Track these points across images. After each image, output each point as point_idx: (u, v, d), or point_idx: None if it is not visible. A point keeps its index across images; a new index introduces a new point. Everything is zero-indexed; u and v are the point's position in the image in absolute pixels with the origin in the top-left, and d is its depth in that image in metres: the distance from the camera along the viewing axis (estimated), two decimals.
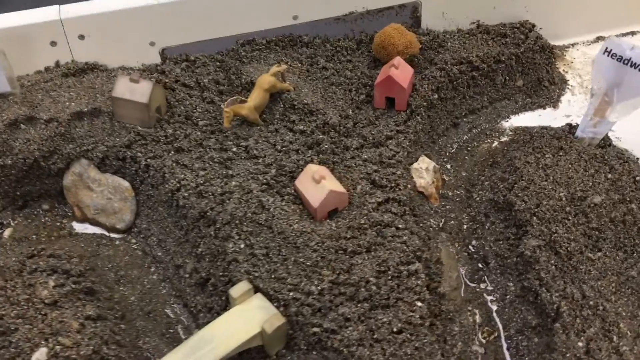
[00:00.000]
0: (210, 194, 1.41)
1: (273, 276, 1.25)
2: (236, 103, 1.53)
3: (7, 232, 1.55)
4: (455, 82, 1.73)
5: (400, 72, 1.61)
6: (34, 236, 1.54)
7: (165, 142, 1.52)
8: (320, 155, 1.52)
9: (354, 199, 1.43)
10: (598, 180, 1.45)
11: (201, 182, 1.43)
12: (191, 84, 1.67)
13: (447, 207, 1.59)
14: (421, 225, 1.47)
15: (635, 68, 1.50)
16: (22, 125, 1.53)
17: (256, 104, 1.57)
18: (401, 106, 1.64)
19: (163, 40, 1.71)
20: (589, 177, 1.46)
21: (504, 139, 1.76)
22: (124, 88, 1.51)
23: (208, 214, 1.38)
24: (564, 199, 1.40)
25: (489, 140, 1.75)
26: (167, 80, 1.65)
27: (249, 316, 1.20)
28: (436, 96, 1.68)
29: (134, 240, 1.53)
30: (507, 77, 1.83)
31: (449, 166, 1.69)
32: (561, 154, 1.54)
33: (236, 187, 1.41)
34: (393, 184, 1.45)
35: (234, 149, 1.53)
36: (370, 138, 1.56)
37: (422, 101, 1.64)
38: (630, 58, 1.50)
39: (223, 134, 1.56)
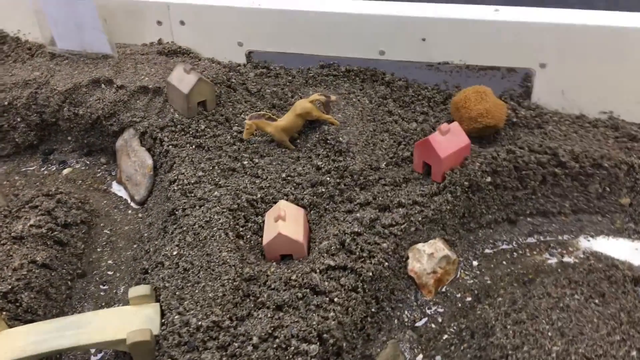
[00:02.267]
0: (192, 195, 1.40)
1: (177, 293, 1.20)
2: (262, 118, 1.49)
3: (65, 171, 1.76)
4: (523, 172, 1.41)
5: (446, 139, 1.38)
6: (80, 181, 1.73)
7: (192, 135, 1.56)
8: (315, 198, 1.39)
9: (314, 252, 1.28)
10: None
11: (193, 181, 1.43)
12: (253, 90, 1.67)
13: (440, 307, 1.31)
14: (379, 311, 1.25)
15: None
16: (102, 85, 1.72)
17: (284, 125, 1.50)
18: (436, 176, 1.41)
19: (251, 43, 1.74)
20: None
21: (568, 259, 1.38)
22: (177, 75, 1.58)
23: (176, 212, 1.38)
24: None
25: (546, 255, 1.40)
26: (233, 81, 1.68)
27: (130, 320, 1.17)
28: (488, 180, 1.39)
29: (140, 215, 1.60)
30: (608, 189, 1.43)
31: (475, 263, 1.40)
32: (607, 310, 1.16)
33: (214, 197, 1.38)
34: (365, 254, 1.26)
35: (245, 162, 1.49)
36: (380, 199, 1.38)
37: (464, 179, 1.38)
38: None
39: (247, 144, 1.53)
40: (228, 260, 1.22)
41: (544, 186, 1.44)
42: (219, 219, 1.31)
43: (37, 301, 1.31)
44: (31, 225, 1.42)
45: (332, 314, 1.15)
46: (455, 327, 1.27)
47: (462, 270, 1.39)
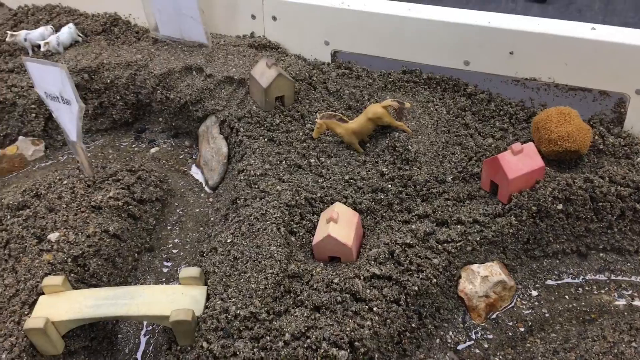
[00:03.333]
0: (255, 186, 1.44)
1: (224, 279, 1.24)
2: (333, 119, 1.50)
3: (153, 150, 1.87)
4: (600, 204, 1.32)
5: (518, 159, 1.31)
6: (164, 161, 1.82)
7: (266, 128, 1.60)
8: (373, 204, 1.38)
9: (362, 258, 1.27)
10: None
11: (259, 173, 1.47)
12: (332, 90, 1.68)
13: (488, 333, 1.26)
14: (420, 327, 1.22)
15: None
16: (193, 72, 1.80)
17: (355, 128, 1.49)
18: (502, 197, 1.35)
19: (337, 43, 1.75)
20: None
21: (638, 304, 1.27)
22: (259, 69, 1.62)
23: (238, 202, 1.42)
24: None
25: (614, 295, 1.29)
26: (314, 79, 1.70)
27: (177, 299, 1.22)
28: (560, 207, 1.31)
29: (211, 200, 1.67)
30: None
31: (534, 293, 1.32)
32: None
33: (275, 191, 1.40)
34: (414, 267, 1.23)
35: (312, 161, 1.50)
36: (440, 213, 1.34)
37: (532, 204, 1.30)
38: None
39: (317, 143, 1.55)
40: (275, 254, 1.25)
41: (621, 221, 1.33)
42: (274, 213, 1.33)
43: (104, 268, 1.41)
44: (110, 197, 1.52)
45: (368, 322, 1.14)
46: (500, 357, 1.22)
47: (519, 299, 1.32)
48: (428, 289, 1.23)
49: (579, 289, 1.33)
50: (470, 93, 1.61)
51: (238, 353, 1.11)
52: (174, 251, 1.54)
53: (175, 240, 1.56)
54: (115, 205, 1.51)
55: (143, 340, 1.34)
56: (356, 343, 1.11)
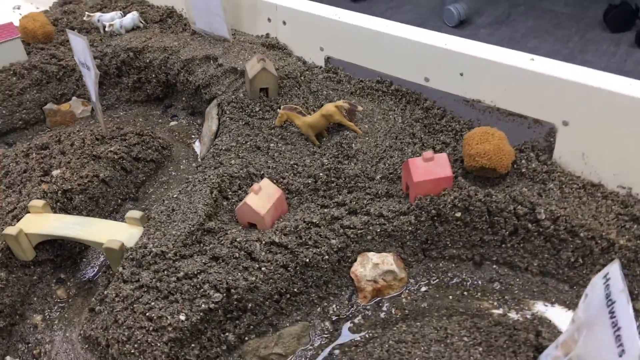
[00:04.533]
0: (217, 158, 1.69)
1: (157, 224, 1.50)
2: (293, 111, 1.71)
3: (172, 123, 2.19)
4: (495, 218, 1.41)
5: (427, 166, 1.45)
6: (177, 133, 2.13)
7: (246, 114, 1.84)
8: (302, 187, 1.57)
9: (273, 228, 1.47)
10: None
11: (223, 148, 1.72)
12: (313, 89, 1.88)
13: (368, 312, 1.41)
14: (301, 293, 1.40)
15: (610, 318, 0.99)
16: (211, 61, 2.09)
17: (310, 122, 1.69)
18: (411, 198, 1.48)
19: (329, 50, 1.95)
20: None
21: (511, 315, 1.35)
22: (251, 63, 1.87)
23: (199, 168, 1.68)
24: None
25: (494, 304, 1.38)
26: (302, 78, 1.91)
27: (117, 233, 1.51)
28: (458, 214, 1.43)
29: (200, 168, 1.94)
30: (581, 261, 1.35)
31: (423, 289, 1.44)
32: None
33: (228, 163, 1.65)
34: (311, 243, 1.42)
35: (272, 145, 1.73)
36: (354, 203, 1.50)
37: (432, 207, 1.43)
38: (614, 301, 1.00)
39: (282, 131, 1.76)
40: (199, 210, 1.49)
41: (514, 237, 1.42)
42: (213, 179, 1.58)
43: (86, 205, 1.73)
44: (110, 151, 1.84)
45: (252, 278, 1.35)
46: (369, 333, 1.37)
47: (407, 291, 1.45)
48: (319, 263, 1.41)
49: (465, 292, 1.43)
50: (427, 107, 1.74)
51: (140, 280, 1.36)
52: (153, 204, 1.83)
53: (155, 196, 1.86)
54: (112, 158, 1.83)
55: (98, 267, 1.65)
56: (232, 290, 1.32)
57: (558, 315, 1.35)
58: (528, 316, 1.35)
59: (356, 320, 1.40)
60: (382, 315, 1.41)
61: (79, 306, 1.54)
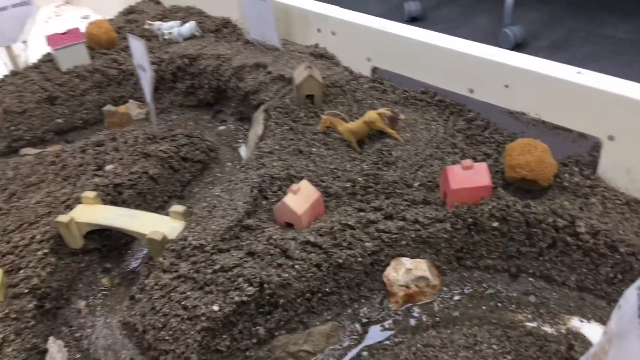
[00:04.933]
0: (259, 159, 1.73)
1: (198, 219, 1.55)
2: (336, 117, 1.74)
3: (221, 127, 2.26)
4: (534, 229, 1.39)
5: (465, 174, 1.45)
6: (224, 137, 2.20)
7: (291, 119, 1.88)
8: (340, 190, 1.59)
9: (309, 228, 1.50)
10: None
11: (267, 151, 1.76)
12: (358, 98, 1.91)
13: (399, 317, 1.41)
14: (333, 293, 1.42)
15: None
16: (261, 69, 2.15)
17: (352, 128, 1.72)
18: (448, 206, 1.48)
19: (377, 60, 1.98)
20: None
21: (545, 329, 1.32)
22: (298, 70, 1.92)
23: (242, 168, 1.73)
24: None
25: (528, 317, 1.36)
26: (348, 87, 1.95)
27: (161, 225, 1.56)
28: (495, 224, 1.42)
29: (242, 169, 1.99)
30: (620, 277, 1.31)
31: (456, 298, 1.43)
32: None
33: (270, 165, 1.68)
34: (345, 244, 1.43)
35: (313, 149, 1.76)
36: (391, 208, 1.51)
37: (469, 215, 1.43)
38: None
39: (324, 137, 1.79)
40: (238, 207, 1.53)
41: (552, 250, 1.39)
42: (254, 178, 1.62)
43: (134, 199, 1.80)
44: (160, 150, 1.92)
45: (285, 275, 1.37)
46: (398, 339, 1.36)
47: (440, 299, 1.45)
48: (352, 265, 1.42)
49: (499, 304, 1.41)
50: (470, 119, 1.74)
51: (178, 270, 1.41)
52: (197, 203, 1.89)
53: (200, 195, 1.91)
54: (161, 156, 1.90)
55: (141, 259, 1.71)
56: (265, 285, 1.35)
57: (593, 332, 1.31)
58: (562, 330, 1.32)
59: (386, 324, 1.40)
60: (413, 321, 1.40)
61: (121, 295, 1.60)
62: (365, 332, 1.40)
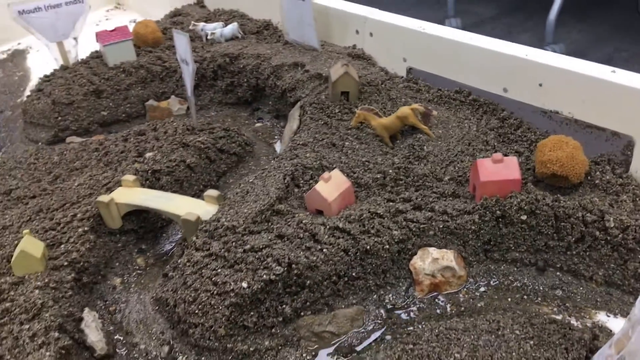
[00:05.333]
0: (293, 151, 1.78)
1: (231, 203, 1.60)
2: (370, 112, 1.77)
3: (258, 124, 2.32)
4: (562, 223, 1.39)
5: (495, 167, 1.46)
6: (260, 133, 2.25)
7: (326, 114, 1.92)
8: (371, 181, 1.62)
9: (339, 215, 1.53)
10: None
11: (301, 143, 1.81)
12: (392, 97, 1.94)
13: (423, 305, 1.42)
14: (359, 279, 1.45)
15: None
16: (299, 67, 2.21)
17: (385, 123, 1.75)
18: (477, 198, 1.49)
19: (412, 61, 2.01)
20: None
21: (571, 321, 1.32)
22: (335, 68, 1.97)
23: (276, 158, 1.78)
24: None
25: (554, 310, 1.36)
26: (383, 86, 1.98)
27: (195, 207, 1.62)
28: (523, 217, 1.42)
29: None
30: None
31: (482, 289, 1.44)
32: None
33: (303, 156, 1.73)
34: (373, 232, 1.46)
35: (346, 143, 1.79)
36: (420, 199, 1.53)
37: (497, 208, 1.44)
38: None
39: (357, 132, 1.83)
40: (271, 193, 1.57)
41: (580, 245, 1.39)
42: (288, 167, 1.66)
43: (171, 185, 1.86)
44: (198, 140, 1.98)
45: (313, 257, 1.41)
46: (422, 325, 1.38)
47: (465, 289, 1.46)
48: (379, 252, 1.45)
49: (525, 296, 1.42)
50: (504, 117, 1.75)
51: (210, 248, 1.46)
52: None
53: (234, 186, 1.96)
54: (199, 147, 1.96)
55: (175, 243, 1.76)
56: (293, 265, 1.38)
57: (619, 327, 1.29)
58: (588, 324, 1.32)
59: (411, 312, 1.42)
60: (438, 310, 1.42)
61: (155, 274, 1.65)
62: (390, 318, 1.42)
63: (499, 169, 1.47)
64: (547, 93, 1.64)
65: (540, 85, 1.65)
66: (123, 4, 3.93)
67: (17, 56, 3.35)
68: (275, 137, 2.22)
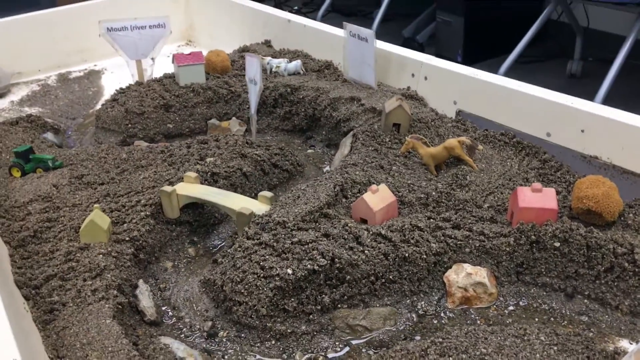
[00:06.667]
0: (344, 168, 1.91)
1: (282, 204, 1.72)
2: (419, 141, 1.90)
3: (309, 151, 2.47)
4: (593, 253, 1.47)
5: (534, 195, 1.56)
6: (312, 158, 2.40)
7: (377, 142, 2.06)
8: (414, 200, 1.74)
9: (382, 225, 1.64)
10: None
11: (351, 163, 1.94)
12: (441, 133, 2.08)
13: (453, 315, 1.50)
14: (395, 282, 1.54)
15: None
16: (355, 101, 2.37)
17: (432, 152, 1.88)
18: (513, 223, 1.59)
19: (461, 104, 2.16)
20: None
21: (595, 345, 1.38)
22: (389, 101, 2.12)
23: (327, 172, 1.91)
24: None
25: (577, 331, 1.42)
26: (432, 124, 2.12)
27: (249, 204, 1.75)
28: (557, 244, 1.51)
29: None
30: None
31: (511, 308, 1.51)
32: None
33: (353, 172, 1.86)
34: (412, 242, 1.56)
35: (394, 167, 1.92)
36: (459, 220, 1.64)
37: (532, 233, 1.53)
38: None
39: (405, 160, 1.96)
40: (321, 198, 1.70)
41: (609, 274, 1.46)
42: (338, 179, 1.79)
43: (227, 188, 1.99)
44: (255, 153, 2.14)
45: (355, 256, 1.51)
46: (451, 330, 1.45)
47: (495, 306, 1.53)
48: (416, 260, 1.55)
49: (552, 318, 1.48)
50: (545, 160, 1.86)
51: (260, 237, 1.58)
52: None
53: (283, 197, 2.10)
54: (256, 159, 2.12)
55: (225, 240, 1.89)
56: (336, 259, 1.49)
57: None
58: (610, 348, 1.37)
59: (441, 319, 1.50)
60: (467, 320, 1.49)
61: (204, 263, 1.78)
62: (421, 322, 1.50)
63: (537, 197, 1.57)
64: (588, 138, 1.76)
65: (582, 131, 1.76)
66: (194, 41, 4.23)
67: (93, 75, 3.62)
68: (325, 162, 2.37)
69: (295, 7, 5.47)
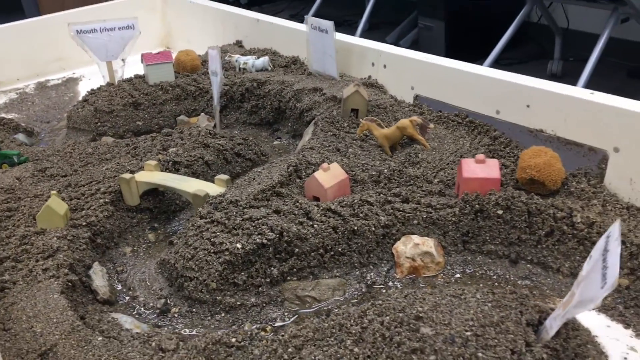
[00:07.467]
0: (302, 152, 1.95)
1: (238, 186, 1.76)
2: (374, 122, 1.94)
3: (275, 142, 2.51)
4: (534, 218, 1.51)
5: (477, 167, 1.60)
6: (278, 149, 2.44)
7: (335, 127, 2.11)
8: (366, 178, 1.78)
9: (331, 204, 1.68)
10: None
11: (308, 147, 1.99)
12: (398, 117, 2.12)
13: (400, 284, 1.53)
14: (344, 254, 1.58)
15: (602, 262, 1.08)
16: (317, 92, 2.42)
17: (386, 133, 1.92)
18: (459, 193, 1.63)
19: (418, 89, 2.20)
20: None
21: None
22: (348, 88, 2.17)
23: (285, 155, 1.95)
24: None
25: None
26: (390, 108, 2.17)
27: (205, 187, 1.79)
28: (499, 212, 1.55)
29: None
30: None
31: (457, 276, 1.55)
32: None
33: (308, 155, 1.90)
34: (362, 215, 1.60)
35: (350, 150, 1.96)
36: (409, 194, 1.67)
37: (476, 202, 1.57)
38: (608, 250, 1.08)
39: (361, 142, 2.00)
40: (274, 178, 1.74)
41: (549, 238, 1.50)
42: (292, 161, 1.83)
43: (188, 176, 2.05)
44: (218, 143, 2.18)
45: (304, 230, 1.55)
46: (396, 296, 1.48)
47: (442, 275, 1.57)
48: (365, 233, 1.58)
49: (496, 283, 1.52)
50: (495, 137, 1.90)
51: (212, 216, 1.61)
52: None
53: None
54: (218, 148, 2.16)
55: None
56: (284, 232, 1.53)
57: (583, 315, 1.38)
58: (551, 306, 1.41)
59: (389, 289, 1.53)
60: (414, 288, 1.52)
61: (162, 248, 1.81)
62: (369, 292, 1.53)
63: (481, 168, 1.61)
64: (533, 113, 1.80)
65: (528, 106, 1.81)
66: (172, 47, 4.29)
67: (70, 82, 3.67)
68: (290, 152, 2.41)
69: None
